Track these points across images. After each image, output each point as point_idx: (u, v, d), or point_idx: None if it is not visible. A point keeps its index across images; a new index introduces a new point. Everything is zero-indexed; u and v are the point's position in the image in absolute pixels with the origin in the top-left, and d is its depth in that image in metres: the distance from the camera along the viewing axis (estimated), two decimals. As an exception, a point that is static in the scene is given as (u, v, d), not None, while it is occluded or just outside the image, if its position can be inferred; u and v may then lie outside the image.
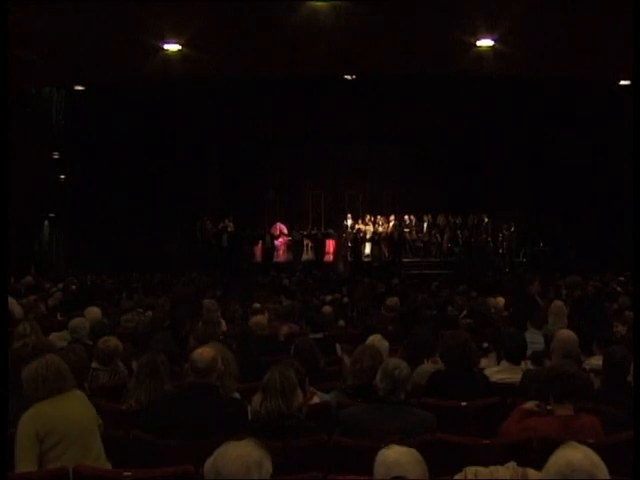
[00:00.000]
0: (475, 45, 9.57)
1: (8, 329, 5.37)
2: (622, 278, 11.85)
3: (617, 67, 10.63)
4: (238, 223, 19.07)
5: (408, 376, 3.47)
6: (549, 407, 3.46)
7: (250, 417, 3.54)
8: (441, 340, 4.66)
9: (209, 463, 1.98)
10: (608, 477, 1.98)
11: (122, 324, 7.16)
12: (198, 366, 3.59)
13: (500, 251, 18.45)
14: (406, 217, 20.15)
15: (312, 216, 22.91)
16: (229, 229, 18.79)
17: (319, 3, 8.14)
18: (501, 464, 2.54)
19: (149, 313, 7.43)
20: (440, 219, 19.91)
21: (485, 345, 5.34)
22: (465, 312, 7.77)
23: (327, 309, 7.53)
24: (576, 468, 1.93)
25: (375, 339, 4.72)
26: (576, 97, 16.13)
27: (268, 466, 1.96)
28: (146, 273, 13.63)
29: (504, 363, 4.68)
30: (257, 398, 3.42)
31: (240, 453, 1.94)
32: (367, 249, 18.99)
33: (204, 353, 3.65)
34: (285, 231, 20.08)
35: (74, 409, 3.29)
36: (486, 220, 18.54)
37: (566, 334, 4.51)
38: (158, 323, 6.33)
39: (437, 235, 19.69)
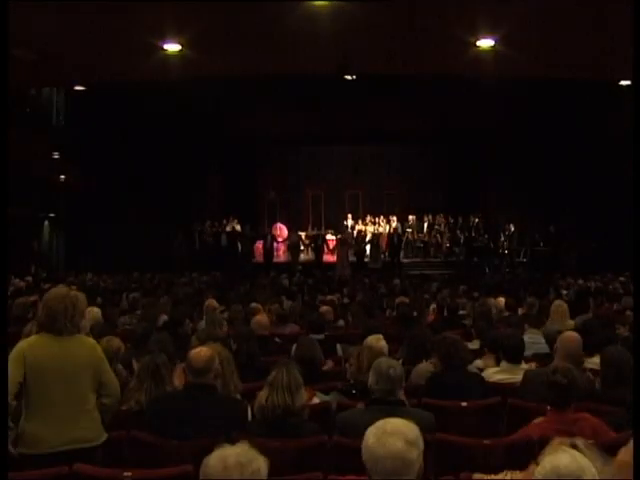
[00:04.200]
0: (475, 45, 9.57)
1: (8, 329, 5.36)
2: (622, 278, 11.86)
3: (617, 67, 10.62)
4: (240, 223, 19.07)
5: (402, 374, 3.46)
6: (549, 408, 3.46)
7: (254, 412, 3.54)
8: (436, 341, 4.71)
9: (201, 469, 2.01)
10: (596, 478, 1.97)
11: (119, 327, 7.16)
12: (195, 366, 3.58)
13: (500, 251, 18.45)
14: (409, 217, 20.19)
15: (312, 216, 22.92)
16: (228, 229, 18.75)
17: (319, 3, 8.14)
18: (501, 464, 2.55)
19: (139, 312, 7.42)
20: (440, 219, 19.91)
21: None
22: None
23: (325, 309, 7.52)
24: (562, 472, 1.92)
25: (373, 339, 4.72)
26: (576, 97, 16.14)
27: (257, 468, 1.95)
28: (146, 273, 13.63)
29: (504, 364, 4.69)
30: (263, 393, 3.45)
31: (222, 455, 1.95)
32: (367, 250, 18.98)
33: (201, 353, 3.63)
34: (285, 232, 20.09)
35: (65, 352, 3.34)
36: (476, 220, 18.55)
37: (570, 335, 4.50)
38: (152, 321, 6.31)
39: (437, 235, 19.69)
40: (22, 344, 3.34)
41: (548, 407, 3.48)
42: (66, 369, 3.31)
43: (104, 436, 3.41)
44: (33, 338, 3.37)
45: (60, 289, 3.60)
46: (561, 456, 1.99)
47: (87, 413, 3.36)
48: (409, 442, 2.12)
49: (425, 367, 4.70)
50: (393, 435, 2.12)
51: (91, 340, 3.60)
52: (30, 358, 3.24)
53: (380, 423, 2.20)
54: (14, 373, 3.19)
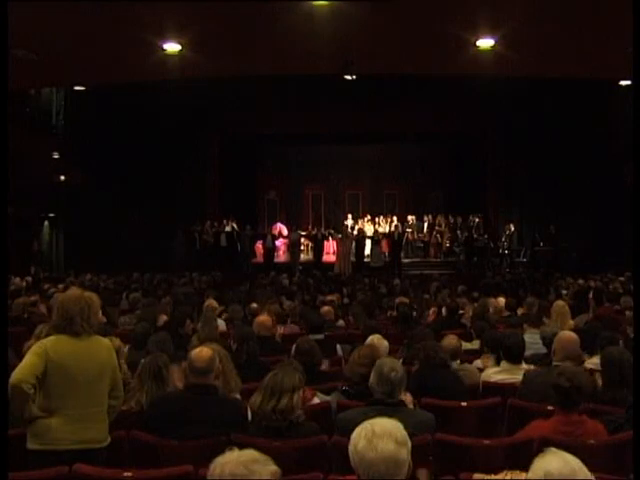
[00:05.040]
0: (475, 45, 9.57)
1: (8, 329, 5.37)
2: (622, 278, 11.86)
3: (617, 67, 10.62)
4: (238, 223, 19.07)
5: (404, 377, 3.46)
6: (550, 408, 3.46)
7: (250, 416, 3.54)
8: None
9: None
10: (589, 476, 1.96)
11: (120, 327, 7.18)
12: (196, 366, 3.58)
13: (500, 251, 18.45)
14: (409, 217, 20.20)
15: (312, 216, 22.92)
16: (227, 229, 18.73)
17: (319, 3, 8.13)
18: (501, 464, 2.54)
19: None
20: (440, 219, 19.92)
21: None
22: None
23: (326, 309, 7.54)
24: (555, 477, 1.90)
25: (374, 339, 4.74)
26: (576, 97, 16.13)
27: (260, 475, 1.93)
28: (146, 273, 13.62)
29: (504, 364, 4.69)
30: (257, 398, 3.45)
31: (226, 460, 1.94)
32: (367, 249, 18.97)
33: (202, 353, 3.64)
34: (285, 232, 20.07)
35: (87, 353, 3.35)
36: (476, 220, 18.54)
37: (567, 335, 4.49)
38: (151, 321, 6.31)
39: (437, 235, 19.69)
40: (45, 342, 3.32)
41: (549, 407, 3.47)
42: (90, 370, 3.33)
43: (109, 437, 3.42)
44: (53, 338, 3.34)
45: (74, 291, 3.61)
46: (552, 459, 1.96)
47: (102, 414, 3.38)
48: (399, 443, 2.10)
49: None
50: (383, 437, 2.10)
51: (107, 341, 3.60)
52: (53, 356, 3.24)
53: (367, 425, 2.17)
54: (34, 365, 3.18)
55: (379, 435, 2.11)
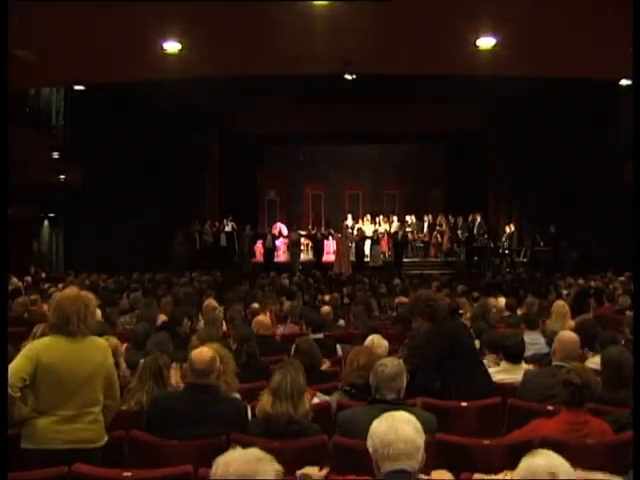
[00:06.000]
0: (475, 45, 9.57)
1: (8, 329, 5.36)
2: (622, 278, 11.85)
3: (617, 67, 10.61)
4: (238, 223, 19.07)
5: (394, 374, 3.40)
6: (550, 408, 3.45)
7: (256, 416, 3.52)
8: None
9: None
10: (572, 476, 2.00)
11: (119, 326, 7.17)
12: (197, 367, 3.57)
13: (500, 251, 18.45)
14: (407, 217, 20.20)
15: (312, 216, 22.93)
16: (227, 229, 18.72)
17: (319, 3, 8.14)
18: (501, 464, 2.56)
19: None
20: (440, 219, 19.91)
21: None
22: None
23: (326, 309, 7.53)
24: (537, 470, 1.98)
25: (374, 339, 4.74)
26: (576, 97, 16.13)
27: (265, 474, 1.91)
28: (146, 273, 13.61)
29: (504, 364, 4.69)
30: (266, 399, 3.42)
31: (229, 459, 1.93)
32: (367, 249, 18.97)
33: (202, 353, 3.63)
34: (285, 232, 20.06)
35: (80, 356, 3.33)
36: (477, 220, 18.52)
37: (567, 335, 4.49)
38: (150, 321, 6.30)
39: (437, 235, 19.70)
40: (36, 344, 3.33)
41: (549, 407, 3.46)
42: (81, 373, 3.31)
43: (106, 437, 3.42)
44: (47, 339, 3.35)
45: (72, 290, 3.60)
46: (536, 458, 2.03)
47: (95, 415, 3.37)
48: (417, 430, 2.31)
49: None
50: (403, 423, 2.31)
51: (104, 343, 3.59)
52: (44, 359, 3.23)
53: (387, 414, 2.38)
54: (22, 369, 3.18)
55: (400, 420, 2.33)
